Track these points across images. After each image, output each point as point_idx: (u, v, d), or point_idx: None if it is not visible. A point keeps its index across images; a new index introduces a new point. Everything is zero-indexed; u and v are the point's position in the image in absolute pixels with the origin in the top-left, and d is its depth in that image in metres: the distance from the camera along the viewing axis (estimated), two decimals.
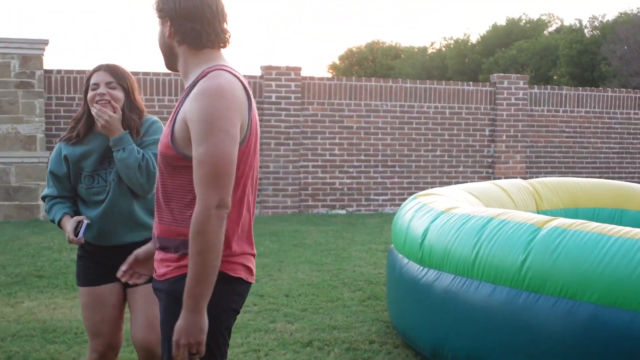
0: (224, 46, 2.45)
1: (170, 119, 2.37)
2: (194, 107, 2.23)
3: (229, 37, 2.47)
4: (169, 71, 2.65)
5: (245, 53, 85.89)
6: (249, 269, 2.42)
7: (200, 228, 2.16)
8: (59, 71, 11.62)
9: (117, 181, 3.15)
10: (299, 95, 12.30)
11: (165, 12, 2.40)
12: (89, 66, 13.17)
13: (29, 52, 11.26)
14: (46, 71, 11.34)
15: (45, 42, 11.19)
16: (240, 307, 2.47)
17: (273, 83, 12.09)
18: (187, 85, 2.40)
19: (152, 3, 2.50)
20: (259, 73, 12.30)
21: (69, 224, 3.11)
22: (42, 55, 11.27)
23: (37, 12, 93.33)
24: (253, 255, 2.47)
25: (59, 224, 3.17)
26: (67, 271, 7.54)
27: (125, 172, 3.06)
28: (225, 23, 2.44)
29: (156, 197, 2.45)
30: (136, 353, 3.61)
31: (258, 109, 11.05)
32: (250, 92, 2.42)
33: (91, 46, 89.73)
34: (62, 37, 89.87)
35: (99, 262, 3.21)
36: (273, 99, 12.14)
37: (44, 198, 3.33)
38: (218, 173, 2.17)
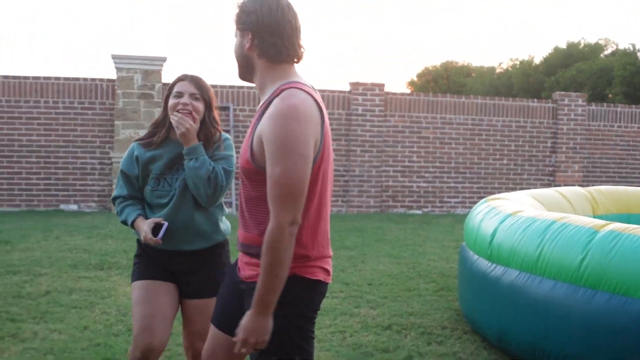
0: (298, 61, 2.41)
1: (248, 134, 2.35)
2: (269, 128, 2.21)
3: (304, 52, 2.41)
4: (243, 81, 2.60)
5: (332, 67, 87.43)
6: (327, 271, 2.43)
7: (272, 244, 2.18)
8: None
9: (183, 188, 3.08)
10: (382, 108, 12.92)
11: (247, 25, 2.36)
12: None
13: (150, 68, 12.12)
14: (164, 84, 12.13)
15: (164, 59, 12.08)
16: (320, 304, 2.50)
17: (360, 97, 12.72)
18: (263, 100, 2.37)
19: (232, 15, 2.47)
20: (347, 88, 12.88)
21: (145, 224, 3.04)
22: (161, 70, 12.11)
23: (155, 30, 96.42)
24: (330, 257, 2.47)
25: (132, 224, 3.09)
26: None
27: (195, 181, 2.99)
28: (300, 39, 2.41)
29: (240, 207, 2.46)
30: None
31: (346, 120, 11.77)
32: (323, 107, 2.39)
33: (203, 61, 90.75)
34: (178, 54, 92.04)
35: (156, 262, 3.13)
36: (359, 112, 12.76)
37: (114, 199, 3.22)
38: (291, 193, 2.17)
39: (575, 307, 4.34)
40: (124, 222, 3.09)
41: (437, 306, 6.10)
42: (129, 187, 3.14)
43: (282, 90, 2.25)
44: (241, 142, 11.89)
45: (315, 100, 2.31)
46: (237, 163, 2.65)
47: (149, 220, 3.03)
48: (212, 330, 2.71)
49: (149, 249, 3.08)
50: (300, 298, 2.31)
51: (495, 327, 5.10)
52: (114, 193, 3.17)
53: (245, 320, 2.24)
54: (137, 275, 3.08)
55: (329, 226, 2.46)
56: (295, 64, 2.39)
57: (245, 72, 2.45)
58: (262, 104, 2.30)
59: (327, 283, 2.43)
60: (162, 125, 3.13)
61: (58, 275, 7.00)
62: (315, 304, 2.40)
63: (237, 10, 2.37)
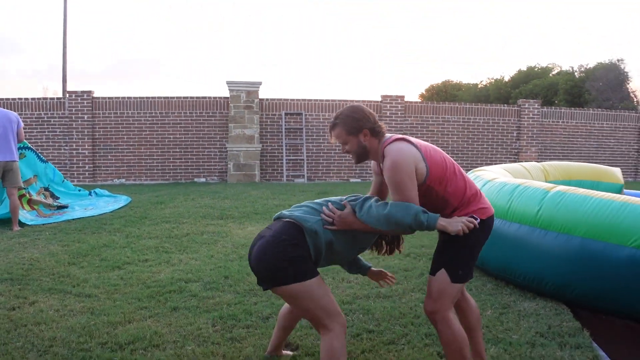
0: (383, 130, 2.98)
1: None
2: (386, 175, 2.86)
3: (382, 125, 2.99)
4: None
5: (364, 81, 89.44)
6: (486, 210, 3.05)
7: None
8: (267, 99, 14.68)
9: None
10: (403, 112, 15.20)
11: (363, 126, 2.92)
12: (279, 95, 14.94)
13: (251, 89, 14.29)
14: (260, 99, 14.48)
15: (260, 83, 14.26)
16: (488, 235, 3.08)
17: (388, 105, 15.11)
18: (380, 159, 2.98)
19: (337, 133, 2.95)
20: (379, 99, 15.17)
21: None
22: (258, 90, 14.28)
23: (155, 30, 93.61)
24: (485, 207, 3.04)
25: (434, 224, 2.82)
26: (272, 210, 8.94)
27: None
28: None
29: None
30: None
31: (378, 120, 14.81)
32: (416, 143, 2.90)
33: (203, 61, 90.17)
34: (178, 54, 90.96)
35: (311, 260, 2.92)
36: (388, 114, 15.05)
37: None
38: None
39: (533, 241, 4.69)
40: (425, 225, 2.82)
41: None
42: None
43: (384, 148, 2.90)
44: (310, 142, 14.54)
45: (408, 141, 2.89)
46: None
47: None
48: None
49: (305, 251, 2.87)
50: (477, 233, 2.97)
51: (479, 255, 4.61)
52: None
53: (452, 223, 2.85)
54: (311, 273, 2.86)
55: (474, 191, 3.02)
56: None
57: (362, 157, 3.02)
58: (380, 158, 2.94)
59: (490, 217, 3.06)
60: None
61: (194, 223, 8.00)
62: (484, 237, 3.11)
63: (342, 122, 2.91)
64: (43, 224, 8.06)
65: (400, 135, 2.97)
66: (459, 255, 3.01)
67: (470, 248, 3.03)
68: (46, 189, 9.46)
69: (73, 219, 8.45)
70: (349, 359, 3.55)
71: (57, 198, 9.59)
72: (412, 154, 2.83)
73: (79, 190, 10.49)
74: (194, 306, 4.51)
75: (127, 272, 5.56)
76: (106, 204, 9.86)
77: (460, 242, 2.95)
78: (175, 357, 3.55)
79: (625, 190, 7.73)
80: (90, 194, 10.68)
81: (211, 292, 4.87)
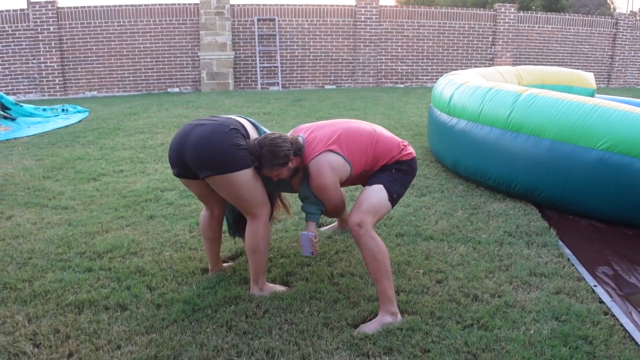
0: (301, 144, 2.98)
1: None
2: (313, 190, 2.99)
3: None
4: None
5: None
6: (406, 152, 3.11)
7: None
8: (239, 5, 14.13)
9: None
10: (378, 16, 14.78)
11: (290, 156, 2.90)
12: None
13: None
14: (232, 5, 13.98)
15: None
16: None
17: (362, 9, 14.65)
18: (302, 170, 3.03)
19: (272, 164, 2.88)
20: (354, 3, 14.65)
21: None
22: None
23: None
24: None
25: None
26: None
27: None
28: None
29: None
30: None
31: (353, 25, 15.26)
32: (337, 149, 2.96)
33: None
34: None
35: None
36: (362, 19, 14.64)
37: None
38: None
39: (504, 144, 4.76)
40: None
41: (413, 145, 6.60)
42: None
43: (309, 162, 2.94)
44: (284, 49, 14.26)
45: (327, 150, 2.94)
46: None
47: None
48: None
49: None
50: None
51: (451, 158, 5.53)
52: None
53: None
54: (252, 162, 2.91)
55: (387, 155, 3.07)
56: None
57: (296, 174, 3.06)
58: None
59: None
60: None
61: (168, 133, 8.01)
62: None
63: (271, 161, 2.85)
64: (7, 140, 7.92)
65: (323, 146, 2.96)
66: (395, 181, 3.07)
67: (401, 183, 3.11)
68: None
69: (30, 135, 8.26)
70: (323, 259, 3.65)
71: (8, 109, 9.25)
72: (335, 168, 2.92)
73: (35, 109, 10.04)
74: (170, 214, 4.55)
75: (103, 183, 5.55)
76: (60, 120, 9.48)
77: (390, 174, 3.08)
78: (154, 263, 3.61)
79: (597, 95, 7.75)
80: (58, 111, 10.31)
81: (187, 200, 4.91)
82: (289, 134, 3.02)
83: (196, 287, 3.26)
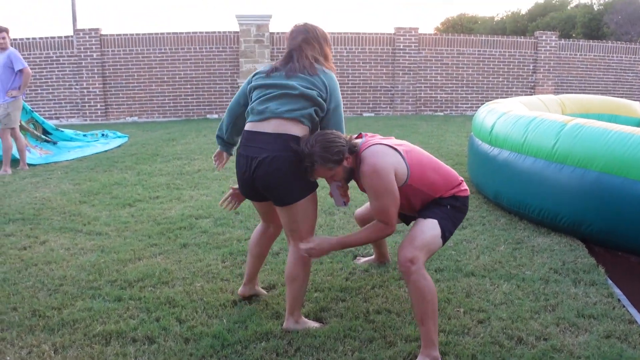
0: (354, 140, 2.86)
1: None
2: (365, 182, 2.76)
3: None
4: None
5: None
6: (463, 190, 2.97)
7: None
8: (278, 33, 14.37)
9: None
10: (417, 44, 14.93)
11: (343, 153, 2.73)
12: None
13: (261, 23, 14.12)
14: (271, 32, 14.22)
15: (270, 16, 14.07)
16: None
17: (401, 37, 14.83)
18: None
19: (320, 173, 2.75)
20: (392, 31, 14.87)
21: None
22: (268, 23, 14.12)
23: None
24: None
25: None
26: None
27: None
28: None
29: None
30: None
31: (392, 53, 14.91)
32: (393, 144, 2.81)
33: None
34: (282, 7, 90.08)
35: None
36: (401, 47, 14.81)
37: None
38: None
39: (549, 176, 4.62)
40: None
41: None
42: None
43: (362, 155, 2.77)
44: None
45: (388, 145, 2.80)
46: None
47: None
48: None
49: None
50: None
51: (492, 189, 5.43)
52: None
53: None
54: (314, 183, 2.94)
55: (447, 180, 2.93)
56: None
57: (350, 177, 2.93)
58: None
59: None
60: None
61: (205, 159, 7.99)
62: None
63: (320, 162, 2.67)
64: (47, 163, 8.01)
65: (377, 139, 2.87)
66: (449, 219, 2.92)
67: (454, 222, 2.96)
68: (32, 120, 9.09)
69: (72, 159, 8.32)
70: (359, 294, 3.51)
71: (49, 134, 9.37)
72: (392, 162, 2.75)
73: (76, 134, 10.15)
74: (204, 242, 4.48)
75: (138, 209, 5.53)
76: (99, 145, 9.58)
77: (445, 210, 2.92)
78: (184, 293, 3.52)
79: None
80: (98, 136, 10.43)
81: (221, 228, 4.84)
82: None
83: (226, 321, 3.15)
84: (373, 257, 4.01)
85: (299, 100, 2.85)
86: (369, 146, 2.78)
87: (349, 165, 2.79)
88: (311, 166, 2.72)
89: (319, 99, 2.87)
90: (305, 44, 2.96)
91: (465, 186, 3.04)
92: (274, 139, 2.80)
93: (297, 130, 2.82)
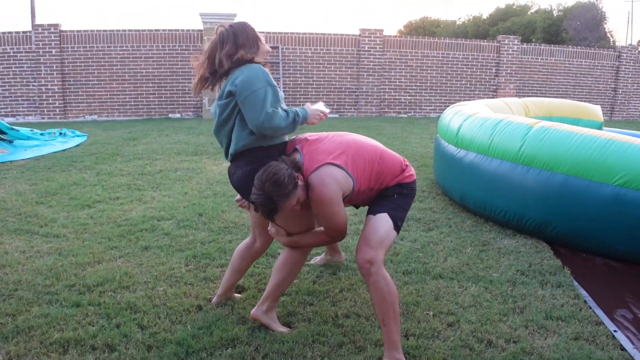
0: (299, 164, 2.79)
1: None
2: (314, 208, 2.79)
3: None
4: None
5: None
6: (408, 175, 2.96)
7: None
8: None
9: None
10: (382, 46, 14.82)
11: (293, 177, 2.66)
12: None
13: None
14: None
15: (235, 15, 13.57)
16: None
17: (366, 39, 14.72)
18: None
19: (285, 196, 2.63)
20: (357, 33, 14.71)
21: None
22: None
23: None
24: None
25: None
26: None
27: None
28: None
29: None
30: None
31: (357, 54, 15.02)
32: (341, 162, 2.76)
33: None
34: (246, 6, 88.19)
35: None
36: (366, 48, 14.71)
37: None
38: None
39: (515, 178, 4.64)
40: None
41: (419, 177, 6.38)
42: None
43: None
44: (287, 77, 14.46)
45: (327, 163, 2.77)
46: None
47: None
48: None
49: None
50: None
51: (459, 191, 5.42)
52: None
53: None
54: None
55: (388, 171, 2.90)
56: None
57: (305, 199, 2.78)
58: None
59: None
60: None
61: (167, 159, 7.86)
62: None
63: (281, 193, 2.59)
64: (2, 162, 7.75)
65: (325, 159, 2.77)
66: (398, 208, 2.92)
67: (403, 208, 2.97)
68: None
69: (29, 158, 8.09)
70: (327, 298, 3.45)
71: (4, 133, 9.06)
72: (338, 182, 2.71)
73: (32, 133, 9.83)
74: (167, 245, 4.36)
75: (98, 210, 5.37)
76: (57, 144, 9.28)
77: (393, 200, 2.92)
78: (146, 298, 3.41)
79: (604, 128, 7.60)
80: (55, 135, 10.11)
81: (184, 231, 4.72)
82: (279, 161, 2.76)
83: (191, 327, 3.05)
84: (323, 256, 3.97)
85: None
86: (315, 169, 2.72)
87: (302, 182, 2.74)
88: (275, 207, 2.65)
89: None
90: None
91: (410, 170, 3.03)
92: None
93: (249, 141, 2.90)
